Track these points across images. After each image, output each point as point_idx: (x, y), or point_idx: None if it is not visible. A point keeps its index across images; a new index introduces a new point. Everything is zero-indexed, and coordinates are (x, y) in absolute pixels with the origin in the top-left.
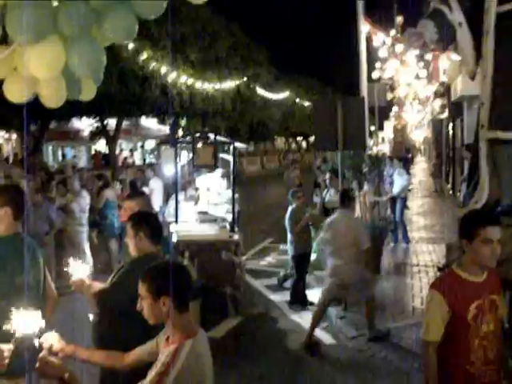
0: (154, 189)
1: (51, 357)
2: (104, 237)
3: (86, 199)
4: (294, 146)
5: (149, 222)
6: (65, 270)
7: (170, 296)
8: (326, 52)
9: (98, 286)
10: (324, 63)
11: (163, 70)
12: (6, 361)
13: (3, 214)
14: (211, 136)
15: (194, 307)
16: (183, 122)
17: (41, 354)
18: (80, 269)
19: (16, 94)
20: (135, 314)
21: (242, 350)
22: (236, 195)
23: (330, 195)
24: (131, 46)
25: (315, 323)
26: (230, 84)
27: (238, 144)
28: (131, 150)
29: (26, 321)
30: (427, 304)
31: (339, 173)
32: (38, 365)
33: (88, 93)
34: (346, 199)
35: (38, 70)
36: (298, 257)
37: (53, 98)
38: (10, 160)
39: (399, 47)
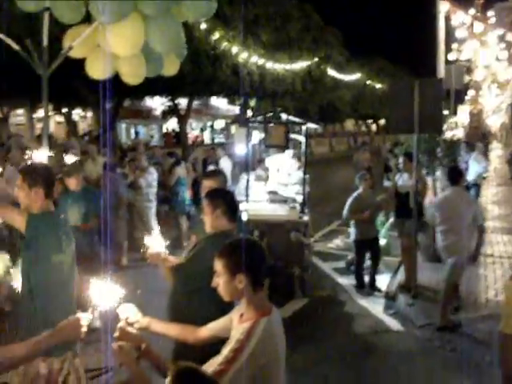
0: (224, 168)
1: (128, 327)
2: (175, 213)
3: (153, 175)
4: (363, 128)
5: (226, 200)
6: (139, 243)
7: (247, 273)
8: (399, 33)
9: (173, 260)
10: (397, 44)
11: (234, 49)
12: (84, 329)
13: (34, 194)
14: (283, 116)
15: None
16: (253, 103)
17: (119, 325)
18: (156, 242)
19: (97, 71)
20: (209, 290)
21: (307, 331)
22: (306, 176)
23: (403, 180)
24: (203, 26)
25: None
26: (300, 65)
27: (309, 125)
28: (202, 130)
29: (104, 291)
30: (507, 296)
31: (414, 157)
32: (116, 334)
33: (171, 68)
34: (457, 176)
35: (119, 48)
36: (359, 242)
37: (133, 75)
38: (86, 137)
39: (478, 27)
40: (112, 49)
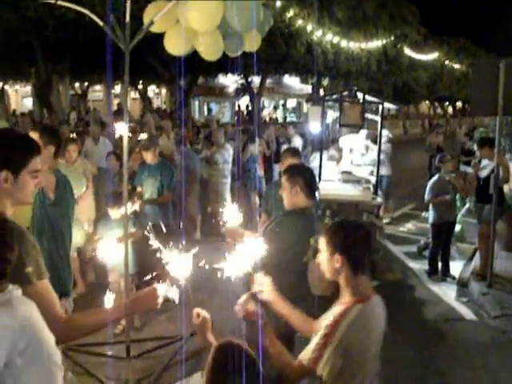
0: (297, 147)
1: (250, 301)
2: (246, 189)
3: (229, 151)
4: (439, 110)
5: (305, 177)
6: (212, 218)
7: (343, 254)
8: (481, 11)
9: (250, 235)
10: (479, 23)
11: (309, 27)
12: (160, 300)
13: (48, 152)
14: (359, 95)
15: None
16: (326, 82)
17: (242, 297)
18: (233, 217)
19: (176, 47)
20: (287, 265)
21: None
22: (382, 157)
23: (484, 164)
24: (278, 3)
25: None
26: (376, 43)
27: (385, 105)
28: (274, 108)
29: (180, 263)
30: None
31: (496, 140)
32: (240, 303)
33: (253, 43)
34: None
35: (197, 23)
36: (438, 225)
37: (210, 52)
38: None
39: None
40: (190, 24)
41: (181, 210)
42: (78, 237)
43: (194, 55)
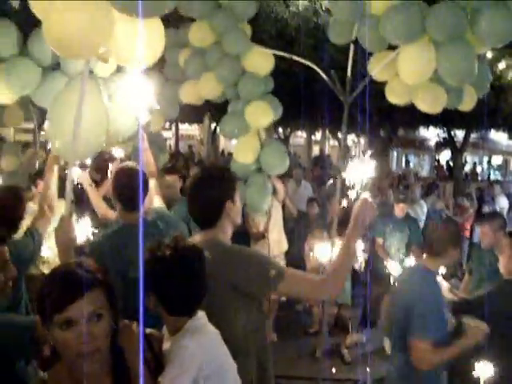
0: (503, 208)
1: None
2: None
3: (423, 208)
4: None
5: None
6: None
7: None
8: None
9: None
10: None
11: None
12: (375, 205)
13: None
14: None
15: None
16: None
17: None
18: None
19: (397, 97)
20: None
21: None
22: None
23: None
24: (489, 54)
25: None
26: None
27: None
28: (474, 164)
29: None
30: None
31: None
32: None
33: (467, 102)
34: None
35: (408, 76)
36: None
37: (429, 104)
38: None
39: None
40: (401, 76)
41: None
42: None
43: (395, 106)
